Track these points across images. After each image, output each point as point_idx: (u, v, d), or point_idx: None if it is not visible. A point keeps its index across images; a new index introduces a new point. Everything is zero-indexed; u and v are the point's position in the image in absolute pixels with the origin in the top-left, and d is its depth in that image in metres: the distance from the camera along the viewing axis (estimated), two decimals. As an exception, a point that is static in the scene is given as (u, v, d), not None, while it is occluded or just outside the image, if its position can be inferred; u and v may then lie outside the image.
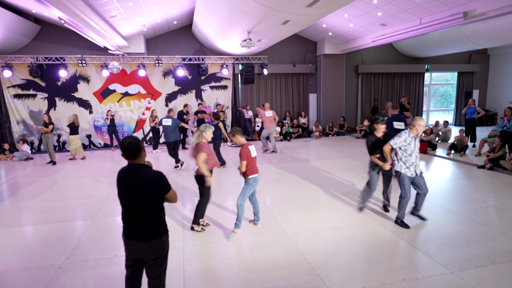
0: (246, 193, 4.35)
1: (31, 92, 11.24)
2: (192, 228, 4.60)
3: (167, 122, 8.15)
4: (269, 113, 9.81)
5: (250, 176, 4.30)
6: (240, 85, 13.38)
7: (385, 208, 5.18)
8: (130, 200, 2.47)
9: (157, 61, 11.62)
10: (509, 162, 7.37)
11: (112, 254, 4.02)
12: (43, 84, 11.28)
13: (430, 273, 3.44)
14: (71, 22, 6.87)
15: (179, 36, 12.57)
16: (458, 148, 9.31)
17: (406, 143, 4.36)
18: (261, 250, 4.04)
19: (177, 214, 5.23)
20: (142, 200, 2.44)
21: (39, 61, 10.91)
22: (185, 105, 11.52)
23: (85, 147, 11.86)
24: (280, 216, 5.08)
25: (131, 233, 2.51)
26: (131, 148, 2.45)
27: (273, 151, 10.17)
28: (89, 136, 11.92)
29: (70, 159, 9.99)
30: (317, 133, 13.09)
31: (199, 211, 4.52)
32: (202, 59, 12.26)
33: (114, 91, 11.91)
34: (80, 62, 10.89)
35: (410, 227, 4.53)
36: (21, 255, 4.07)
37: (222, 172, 7.87)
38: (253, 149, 4.34)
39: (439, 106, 16.95)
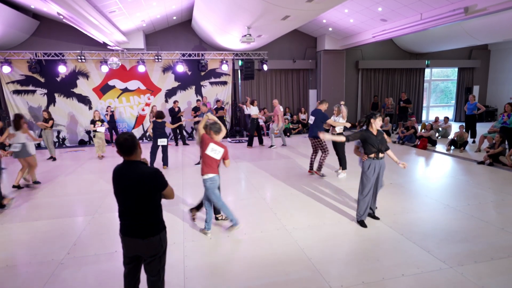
0: (212, 196, 4.20)
1: (31, 88, 11.22)
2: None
3: None
4: (281, 109, 10.34)
5: (204, 177, 4.15)
6: (240, 81, 13.34)
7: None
8: (127, 197, 2.45)
9: (156, 57, 11.58)
10: (508, 158, 7.37)
11: (112, 249, 4.04)
12: (42, 80, 11.25)
13: (429, 268, 3.46)
14: (70, 17, 6.83)
15: (178, 31, 12.51)
16: (458, 144, 9.30)
17: None
18: (261, 246, 4.05)
19: (177, 210, 5.24)
20: (140, 197, 2.42)
21: (38, 56, 10.86)
22: (175, 102, 11.43)
23: (84, 143, 11.88)
24: (279, 212, 5.09)
25: (128, 230, 2.49)
26: (126, 144, 2.42)
27: (283, 145, 10.68)
28: (88, 132, 11.91)
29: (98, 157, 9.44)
30: (317, 129, 13.06)
31: None
32: (202, 55, 12.21)
33: (113, 87, 11.89)
34: (79, 57, 10.85)
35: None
36: (21, 251, 4.09)
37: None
38: (215, 149, 4.07)
39: (439, 102, 16.92)
